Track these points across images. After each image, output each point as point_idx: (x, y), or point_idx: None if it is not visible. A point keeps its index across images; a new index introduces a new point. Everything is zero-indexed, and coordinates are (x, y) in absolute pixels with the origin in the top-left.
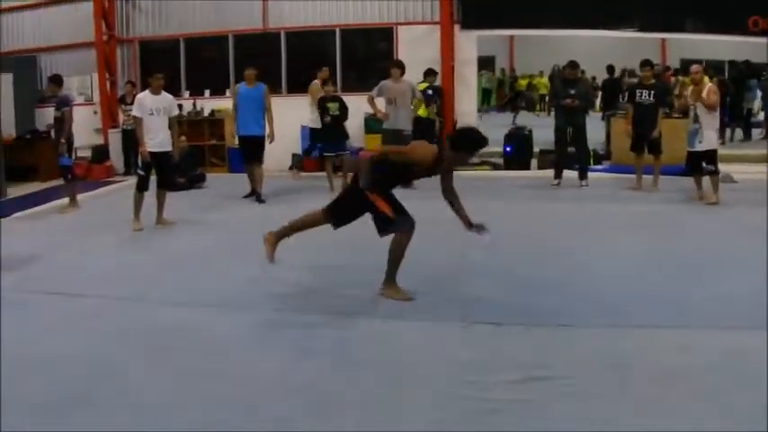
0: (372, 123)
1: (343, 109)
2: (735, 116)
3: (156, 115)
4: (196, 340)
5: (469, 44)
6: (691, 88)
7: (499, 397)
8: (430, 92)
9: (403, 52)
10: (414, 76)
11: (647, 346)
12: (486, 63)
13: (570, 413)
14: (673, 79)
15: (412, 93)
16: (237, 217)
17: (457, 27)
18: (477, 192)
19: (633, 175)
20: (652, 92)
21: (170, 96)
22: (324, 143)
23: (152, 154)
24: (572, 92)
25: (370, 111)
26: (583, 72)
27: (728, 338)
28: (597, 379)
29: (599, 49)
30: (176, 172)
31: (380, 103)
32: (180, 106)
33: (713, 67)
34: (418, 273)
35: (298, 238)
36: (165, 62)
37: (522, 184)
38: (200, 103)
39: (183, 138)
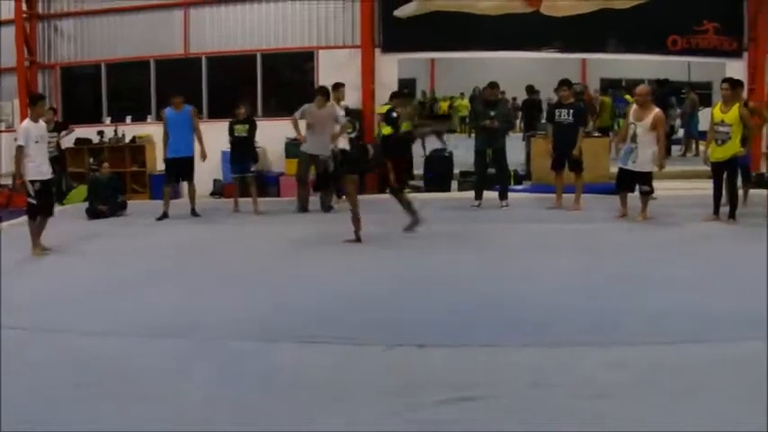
0: (293, 148)
1: (252, 130)
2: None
3: (40, 143)
4: (120, 369)
5: (390, 67)
6: (633, 107)
7: (429, 418)
8: (394, 114)
9: (324, 76)
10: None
11: (573, 364)
12: (407, 86)
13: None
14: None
15: (335, 119)
16: (157, 243)
17: (378, 50)
18: (399, 214)
19: (554, 194)
20: (571, 111)
21: (43, 124)
22: (230, 164)
23: (41, 182)
24: (492, 113)
25: (292, 135)
26: (503, 93)
27: (654, 353)
28: (524, 397)
29: (520, 69)
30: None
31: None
32: (101, 133)
33: (633, 87)
34: (340, 296)
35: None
36: (86, 88)
37: (442, 206)
38: (121, 129)
39: (106, 164)
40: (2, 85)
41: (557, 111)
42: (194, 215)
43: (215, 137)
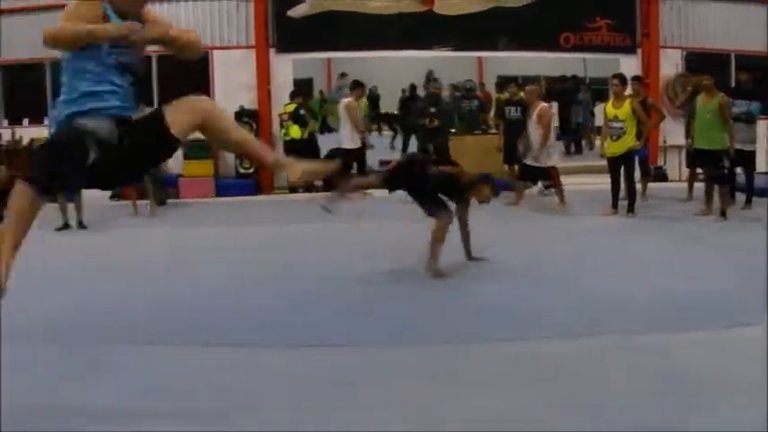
0: (192, 150)
1: None
2: (564, 129)
3: None
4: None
5: (285, 68)
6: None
7: None
8: (301, 112)
9: (219, 77)
10: (232, 99)
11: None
12: (304, 86)
13: None
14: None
15: None
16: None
17: (272, 51)
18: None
19: None
20: (519, 108)
21: None
22: None
23: None
24: (433, 110)
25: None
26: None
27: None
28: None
29: (416, 68)
30: None
31: None
32: None
33: (529, 84)
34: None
35: None
36: None
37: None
38: (18, 131)
39: (3, 167)
40: None
41: (506, 108)
42: (81, 227)
43: None
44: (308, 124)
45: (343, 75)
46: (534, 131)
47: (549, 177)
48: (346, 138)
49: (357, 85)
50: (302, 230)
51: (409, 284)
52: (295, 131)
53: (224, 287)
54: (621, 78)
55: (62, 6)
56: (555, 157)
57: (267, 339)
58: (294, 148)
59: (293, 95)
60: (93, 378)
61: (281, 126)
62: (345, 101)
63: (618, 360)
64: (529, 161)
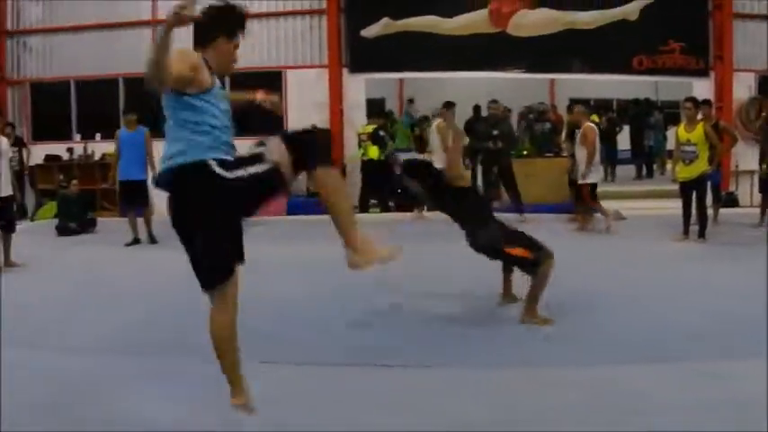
0: None
1: None
2: (636, 153)
3: (2, 159)
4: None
5: (357, 87)
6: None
7: None
8: (381, 133)
9: (292, 96)
10: (305, 118)
11: None
12: (376, 106)
13: None
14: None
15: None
16: (110, 263)
17: (345, 70)
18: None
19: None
20: None
21: (5, 139)
22: None
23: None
24: (495, 132)
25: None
26: (509, 110)
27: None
28: None
29: (488, 89)
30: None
31: None
32: (71, 150)
33: (602, 106)
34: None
35: None
36: (56, 105)
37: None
38: (91, 146)
39: (75, 182)
40: None
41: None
42: (152, 242)
43: None
44: (387, 145)
45: (410, 101)
46: (580, 151)
47: (589, 194)
48: (437, 159)
49: (448, 106)
50: None
51: (475, 307)
52: (373, 152)
53: (287, 304)
54: (694, 102)
55: (129, 24)
56: (593, 176)
57: (329, 358)
58: (371, 168)
59: (372, 116)
60: (159, 389)
61: (359, 146)
62: (435, 122)
63: (684, 387)
64: (581, 181)
